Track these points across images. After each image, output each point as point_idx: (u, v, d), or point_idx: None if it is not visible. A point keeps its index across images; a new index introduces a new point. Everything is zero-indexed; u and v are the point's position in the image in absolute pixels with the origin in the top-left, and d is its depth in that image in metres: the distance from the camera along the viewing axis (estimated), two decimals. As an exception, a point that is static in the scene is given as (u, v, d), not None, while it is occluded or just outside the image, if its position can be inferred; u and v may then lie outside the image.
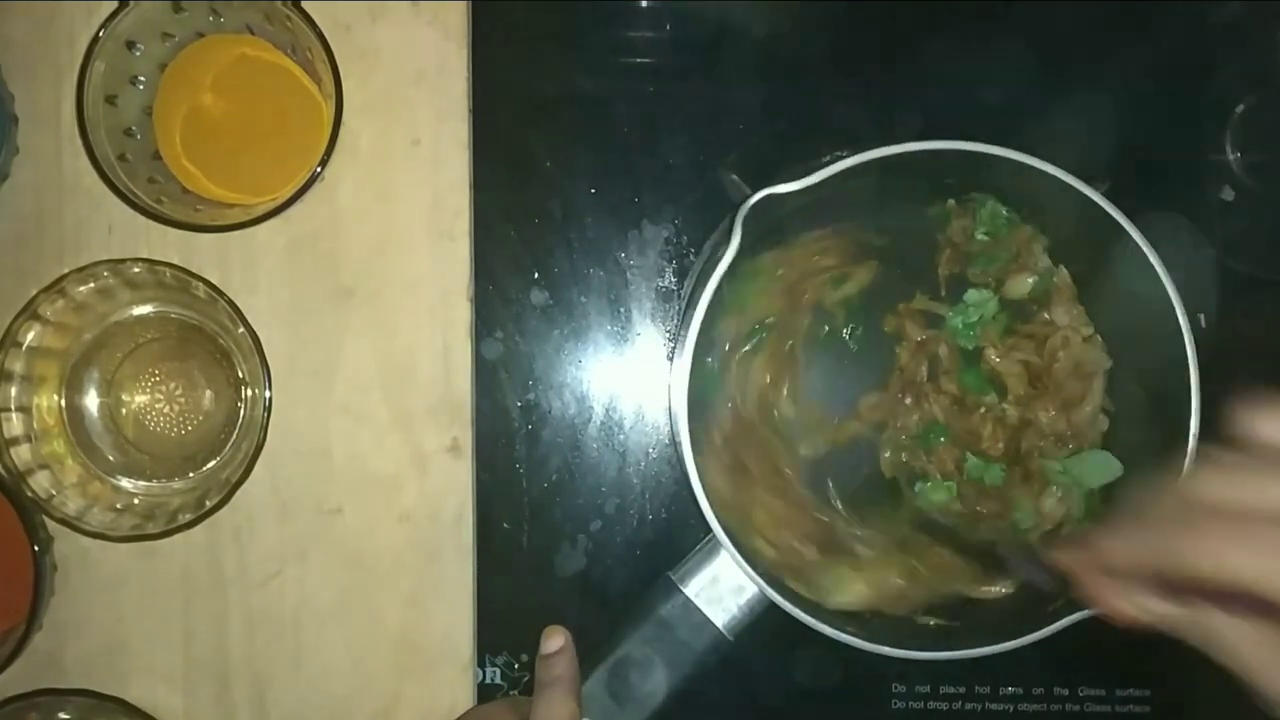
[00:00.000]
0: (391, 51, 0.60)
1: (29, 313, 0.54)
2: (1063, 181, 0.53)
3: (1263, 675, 0.38)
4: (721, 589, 0.54)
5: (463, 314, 0.60)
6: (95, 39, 0.53)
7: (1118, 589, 0.40)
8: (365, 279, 0.60)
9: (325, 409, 0.59)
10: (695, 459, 0.53)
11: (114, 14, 0.53)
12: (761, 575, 0.53)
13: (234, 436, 0.59)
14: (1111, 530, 0.39)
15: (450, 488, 0.60)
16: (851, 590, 0.56)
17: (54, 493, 0.55)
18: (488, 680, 0.61)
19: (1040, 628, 0.53)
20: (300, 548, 0.59)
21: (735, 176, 0.62)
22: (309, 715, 0.59)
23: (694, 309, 0.53)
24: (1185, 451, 0.52)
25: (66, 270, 0.54)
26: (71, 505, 0.55)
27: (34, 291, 0.54)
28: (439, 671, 0.59)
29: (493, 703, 0.59)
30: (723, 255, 0.51)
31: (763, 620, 0.54)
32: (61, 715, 0.57)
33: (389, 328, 0.60)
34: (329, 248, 0.59)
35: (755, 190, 0.51)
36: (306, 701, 0.59)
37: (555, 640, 0.55)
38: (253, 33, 0.58)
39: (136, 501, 0.58)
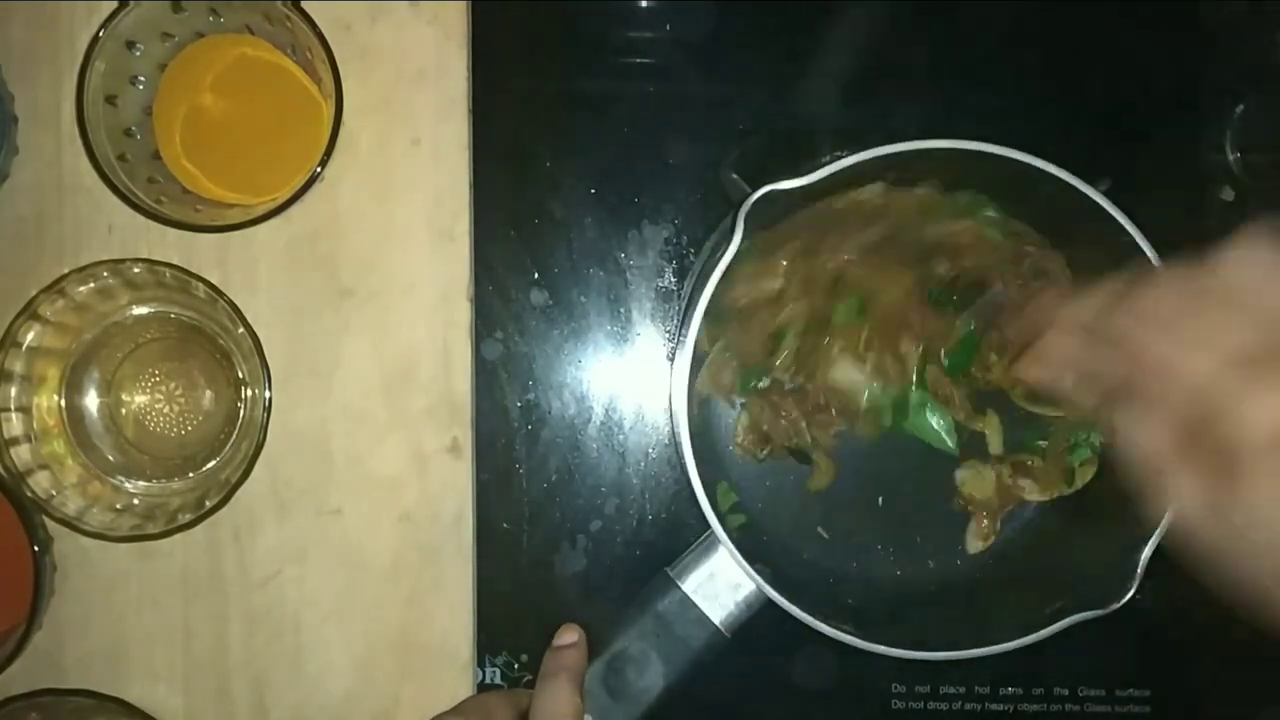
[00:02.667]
0: (391, 51, 0.60)
1: (29, 313, 0.54)
2: (1063, 181, 0.53)
3: (1161, 473, 0.39)
4: (719, 585, 0.54)
5: (463, 314, 0.60)
6: (95, 39, 0.53)
7: (1053, 352, 0.43)
8: (365, 279, 0.60)
9: (325, 409, 0.59)
10: (695, 459, 0.53)
11: (114, 14, 0.53)
12: (759, 572, 0.53)
13: (234, 437, 0.59)
14: (1071, 302, 0.43)
15: (450, 488, 0.60)
16: None
17: (54, 493, 0.55)
18: (487, 680, 0.61)
19: (1040, 628, 0.53)
20: (300, 548, 0.59)
21: (736, 176, 0.62)
22: (309, 715, 0.59)
23: (694, 309, 0.53)
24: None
25: (66, 270, 0.54)
26: (71, 505, 0.55)
27: (34, 291, 0.54)
28: (439, 671, 0.59)
29: (490, 693, 0.59)
30: (724, 253, 0.51)
31: (760, 618, 0.54)
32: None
33: (389, 328, 0.60)
34: (329, 248, 0.59)
35: (755, 189, 0.50)
36: (306, 701, 0.59)
37: (569, 635, 0.55)
38: (252, 33, 0.58)
39: (136, 502, 0.58)
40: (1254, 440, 0.35)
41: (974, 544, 0.62)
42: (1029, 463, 0.61)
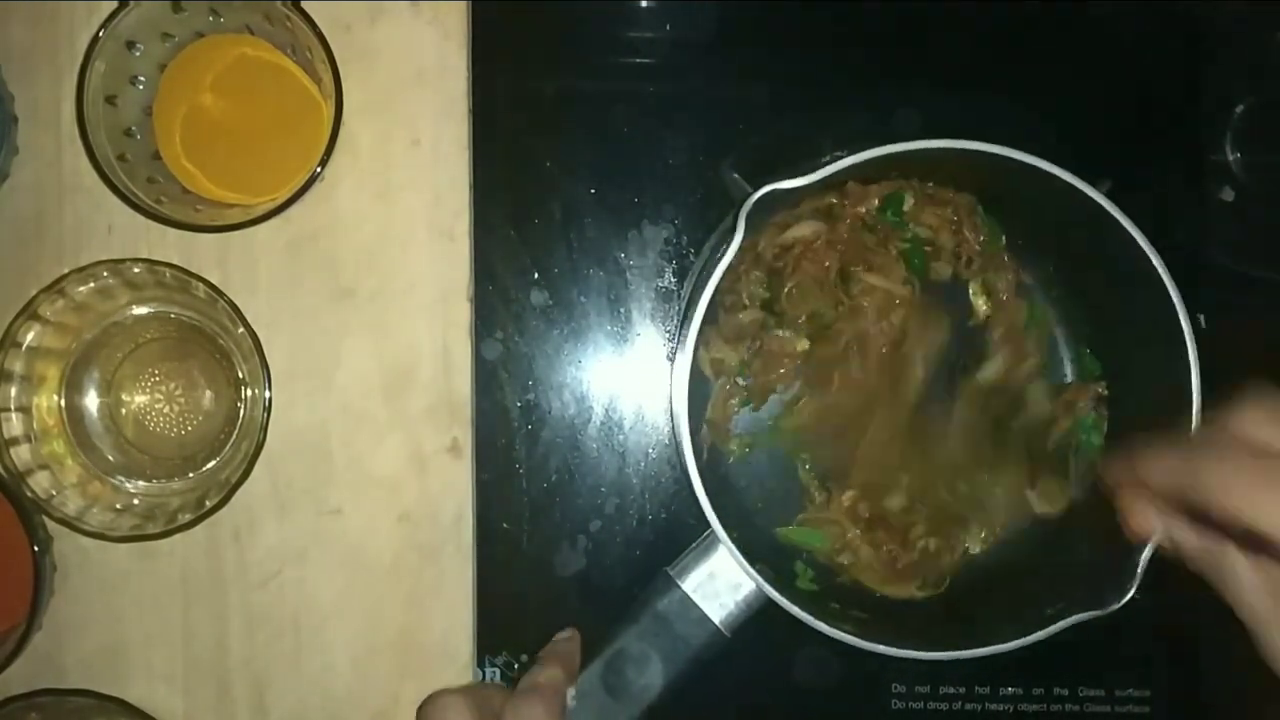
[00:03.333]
0: (391, 51, 0.60)
1: (29, 313, 0.54)
2: (1063, 181, 0.53)
3: (1264, 621, 0.39)
4: (719, 585, 0.54)
5: (463, 314, 0.60)
6: (95, 39, 0.53)
7: (1148, 507, 0.41)
8: (365, 279, 0.60)
9: (325, 409, 0.59)
10: (695, 458, 0.53)
11: (114, 14, 0.53)
12: (759, 571, 0.53)
13: (234, 437, 0.59)
14: (1154, 451, 0.40)
15: (450, 488, 0.60)
16: None
17: (54, 493, 0.55)
18: (487, 680, 0.61)
19: (1040, 628, 0.53)
20: (300, 548, 0.59)
21: (736, 175, 0.62)
22: (309, 715, 0.59)
23: (694, 309, 0.53)
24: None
25: (66, 270, 0.54)
26: (71, 505, 0.55)
27: (34, 291, 0.54)
28: (438, 671, 0.59)
29: (454, 691, 0.49)
30: (725, 253, 0.51)
31: (760, 617, 0.54)
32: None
33: (389, 328, 0.60)
34: (329, 248, 0.59)
35: (756, 189, 0.50)
36: (306, 702, 0.59)
37: (560, 638, 0.54)
38: (252, 33, 0.58)
39: (136, 502, 0.58)
40: None
41: (975, 546, 0.62)
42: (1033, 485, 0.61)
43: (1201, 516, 0.39)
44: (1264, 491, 0.35)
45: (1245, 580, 0.39)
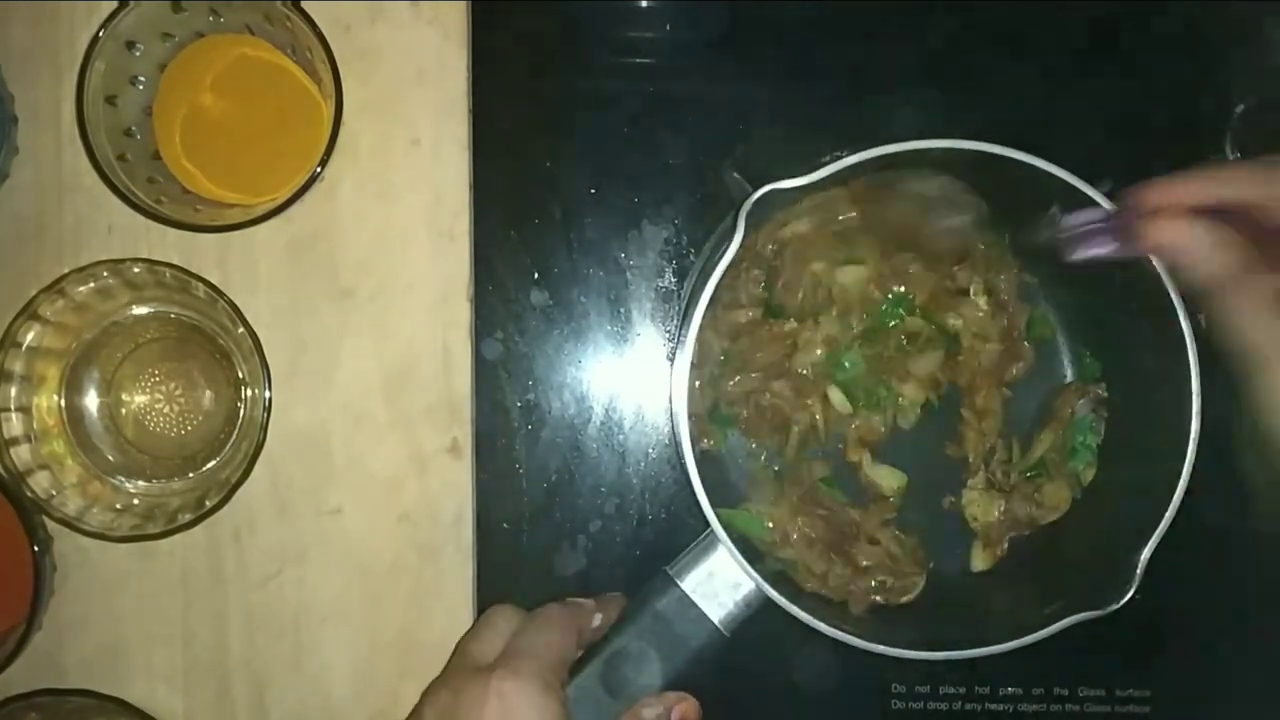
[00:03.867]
0: (391, 51, 0.60)
1: (29, 313, 0.54)
2: (1063, 181, 0.53)
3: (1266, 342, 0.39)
4: (718, 584, 0.53)
5: (462, 314, 0.60)
6: (95, 39, 0.53)
7: (1179, 217, 0.43)
8: (365, 279, 0.60)
9: (325, 409, 0.59)
10: (695, 458, 0.53)
11: (114, 14, 0.53)
12: (759, 571, 0.53)
13: (234, 437, 0.59)
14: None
15: (450, 488, 0.60)
16: None
17: (54, 493, 0.55)
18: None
19: (1040, 628, 0.53)
20: (300, 548, 0.59)
21: (736, 175, 0.62)
22: (309, 715, 0.59)
23: (694, 309, 0.53)
24: (1187, 452, 0.52)
25: (66, 270, 0.54)
26: (71, 505, 0.55)
27: (34, 291, 0.54)
28: (438, 671, 0.59)
29: (500, 606, 0.54)
30: (725, 252, 0.51)
31: (760, 617, 0.54)
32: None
33: (389, 328, 0.60)
34: (329, 248, 0.59)
35: (756, 189, 0.50)
36: (306, 702, 0.59)
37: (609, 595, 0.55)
38: (252, 33, 0.58)
39: (136, 502, 0.58)
40: None
41: (979, 563, 0.62)
42: (1037, 490, 0.61)
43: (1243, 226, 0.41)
44: None
45: (1261, 309, 0.40)
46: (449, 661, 0.52)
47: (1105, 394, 0.61)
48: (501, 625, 0.51)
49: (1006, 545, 0.62)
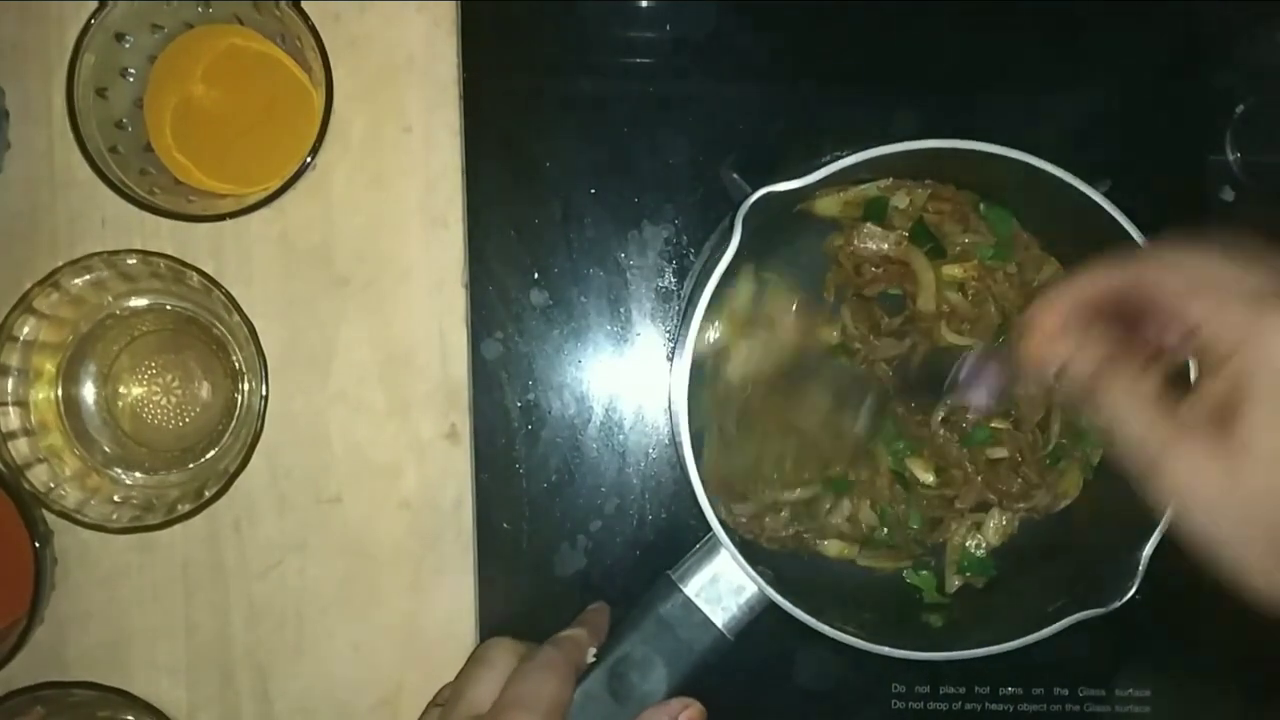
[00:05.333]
0: (381, 39, 0.60)
1: (24, 306, 0.54)
2: (1063, 181, 0.53)
3: (1149, 440, 0.38)
4: (721, 588, 0.54)
5: (458, 300, 0.60)
6: (84, 31, 0.53)
7: (1054, 330, 0.41)
8: (359, 267, 0.60)
9: (322, 398, 0.59)
10: (695, 458, 0.53)
11: (102, 6, 0.53)
12: (761, 574, 0.53)
13: (231, 427, 0.59)
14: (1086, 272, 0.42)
15: (449, 474, 0.60)
16: None
17: (52, 486, 0.55)
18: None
19: (1040, 628, 0.53)
20: (300, 537, 0.59)
21: (736, 175, 0.62)
22: (312, 704, 0.59)
23: (694, 309, 0.53)
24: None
25: (61, 264, 0.54)
26: (70, 498, 0.55)
27: (28, 285, 0.54)
28: (441, 658, 0.59)
29: (496, 640, 0.54)
30: (723, 254, 0.51)
31: (763, 620, 0.54)
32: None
33: (384, 315, 0.60)
34: (323, 236, 0.59)
35: (756, 189, 0.51)
36: (310, 691, 0.59)
37: (590, 609, 0.56)
38: (242, 23, 0.58)
39: (135, 493, 0.58)
40: (1265, 364, 0.35)
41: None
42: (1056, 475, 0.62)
43: (1125, 322, 0.40)
44: (1201, 291, 0.37)
45: (1134, 401, 0.38)
46: (448, 702, 0.51)
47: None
48: (499, 664, 0.51)
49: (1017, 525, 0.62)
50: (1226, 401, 0.36)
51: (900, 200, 0.60)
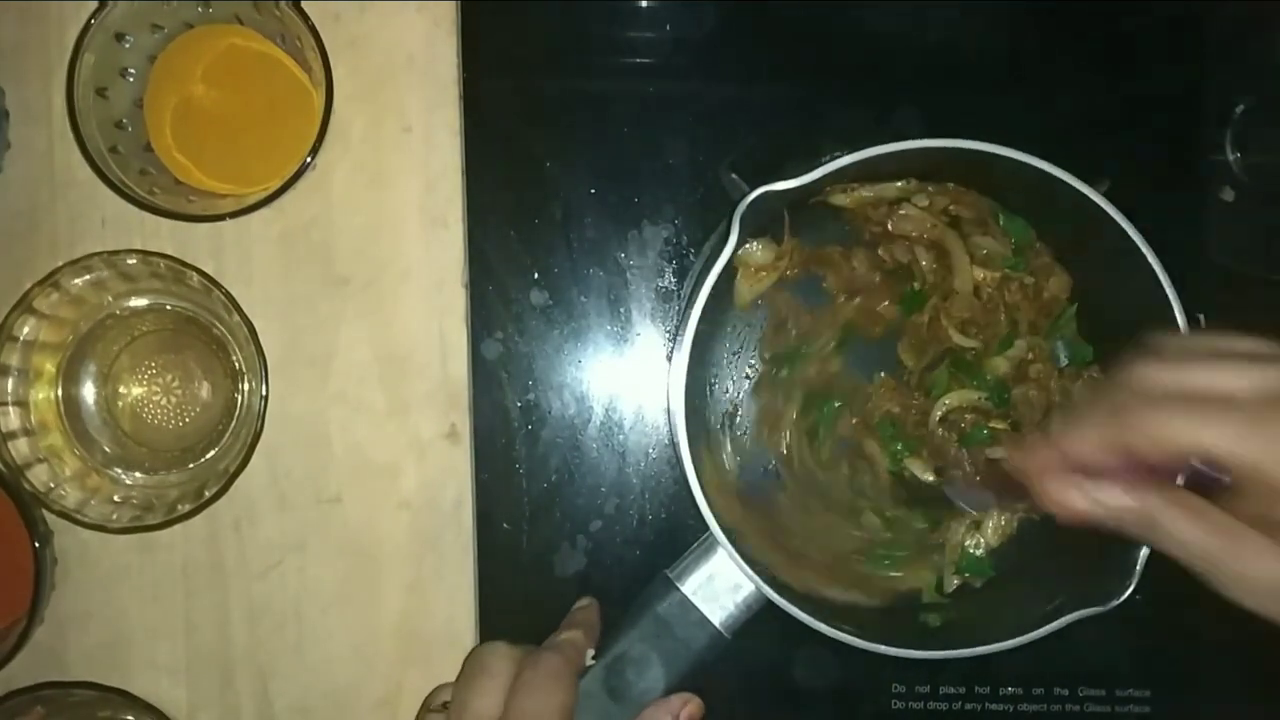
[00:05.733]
0: (381, 39, 0.60)
1: (24, 306, 0.54)
2: (1062, 181, 0.53)
3: (1212, 558, 0.39)
4: (718, 587, 0.54)
5: (458, 300, 0.60)
6: (84, 31, 0.53)
7: (1067, 480, 0.41)
8: (359, 267, 0.60)
9: (322, 398, 0.59)
10: (693, 459, 0.53)
11: (102, 6, 0.53)
12: (758, 573, 0.53)
13: (231, 427, 0.59)
14: (1071, 422, 0.41)
15: (449, 474, 0.60)
16: None
17: (53, 486, 0.55)
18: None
19: (1040, 625, 0.53)
20: (300, 537, 0.59)
21: (735, 175, 0.62)
22: (312, 704, 0.59)
23: (693, 309, 0.53)
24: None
25: (60, 264, 0.54)
26: (70, 498, 0.55)
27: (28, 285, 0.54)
28: (441, 658, 0.59)
29: (491, 644, 0.53)
30: (721, 254, 0.51)
31: (760, 618, 0.54)
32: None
33: (384, 315, 0.60)
34: (323, 236, 0.59)
35: (755, 189, 0.51)
36: (310, 691, 0.59)
37: (578, 606, 0.56)
38: (241, 22, 0.58)
39: (135, 493, 0.58)
40: None
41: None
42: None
43: (1132, 468, 0.40)
44: (1202, 423, 0.37)
45: (1181, 526, 0.39)
46: (451, 712, 0.50)
47: (1099, 379, 0.61)
48: (500, 672, 0.50)
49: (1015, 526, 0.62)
50: (1269, 508, 0.37)
51: (921, 200, 0.60)
